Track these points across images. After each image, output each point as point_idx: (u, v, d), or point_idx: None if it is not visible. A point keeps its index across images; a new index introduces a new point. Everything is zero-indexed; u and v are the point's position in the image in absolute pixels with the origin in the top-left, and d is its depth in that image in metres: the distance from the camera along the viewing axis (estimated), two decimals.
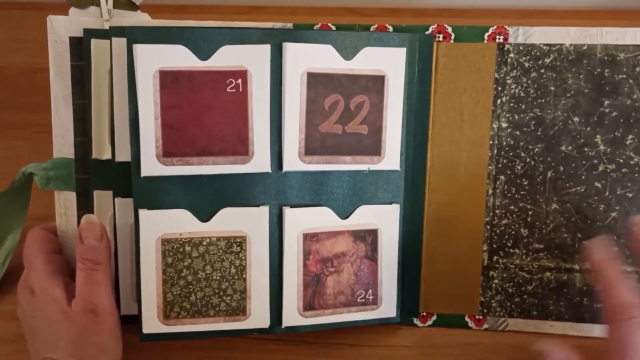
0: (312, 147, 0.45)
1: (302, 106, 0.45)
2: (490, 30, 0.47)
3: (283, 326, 0.47)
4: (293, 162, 0.45)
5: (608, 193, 0.48)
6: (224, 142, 0.44)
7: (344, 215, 0.47)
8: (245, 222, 0.45)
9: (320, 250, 0.47)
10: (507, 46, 0.47)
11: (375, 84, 0.46)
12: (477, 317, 0.50)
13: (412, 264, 0.49)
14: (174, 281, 0.45)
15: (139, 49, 0.42)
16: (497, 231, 0.49)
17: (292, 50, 0.44)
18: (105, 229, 0.45)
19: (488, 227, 0.49)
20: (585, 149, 0.47)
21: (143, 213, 0.44)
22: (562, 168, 0.48)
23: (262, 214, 0.46)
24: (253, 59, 0.44)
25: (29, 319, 0.45)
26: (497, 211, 0.48)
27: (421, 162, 0.48)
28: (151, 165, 0.44)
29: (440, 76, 0.47)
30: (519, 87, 0.47)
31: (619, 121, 0.47)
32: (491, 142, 0.48)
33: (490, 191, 0.48)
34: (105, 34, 0.44)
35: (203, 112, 0.44)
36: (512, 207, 0.48)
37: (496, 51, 0.47)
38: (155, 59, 0.43)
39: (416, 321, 0.50)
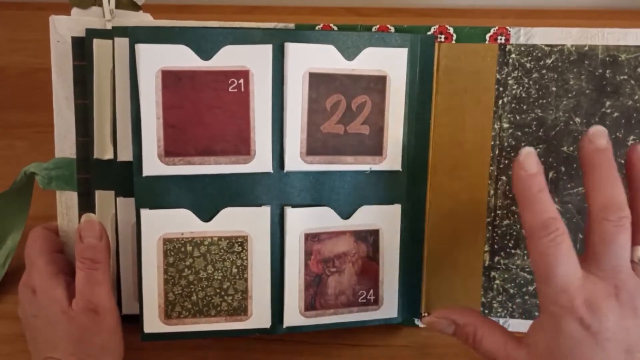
0: (314, 147, 0.46)
1: (304, 106, 0.45)
2: (492, 31, 0.47)
3: (284, 326, 0.47)
4: (295, 162, 0.45)
5: None
6: (226, 142, 0.44)
7: (346, 216, 0.47)
8: (247, 222, 0.45)
9: (321, 251, 0.47)
10: (508, 47, 0.47)
11: (377, 84, 0.46)
12: None
13: (413, 265, 0.49)
14: (176, 281, 0.45)
15: (141, 49, 0.42)
16: (499, 232, 0.49)
17: (294, 51, 0.44)
18: (104, 228, 0.45)
19: (489, 227, 0.49)
20: None
21: (145, 213, 0.44)
22: (563, 168, 0.48)
23: (263, 214, 0.46)
24: (255, 59, 0.44)
25: (30, 318, 0.45)
26: (498, 212, 0.49)
27: (422, 162, 0.48)
28: (153, 165, 0.44)
29: (441, 77, 0.47)
30: (521, 88, 0.47)
31: (620, 122, 0.47)
32: (492, 142, 0.48)
33: (492, 192, 0.48)
34: (107, 34, 0.44)
35: (205, 111, 0.44)
36: (513, 207, 0.48)
37: (498, 52, 0.47)
38: (158, 59, 0.43)
39: (417, 322, 0.50)
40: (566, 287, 0.36)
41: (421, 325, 0.50)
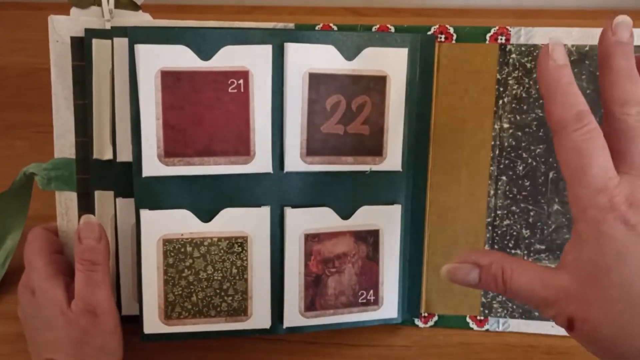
0: (314, 147, 0.45)
1: (304, 107, 0.45)
2: (492, 31, 0.47)
3: (284, 327, 0.47)
4: (294, 162, 0.45)
5: None
6: (226, 142, 0.44)
7: (346, 216, 0.47)
8: (247, 222, 0.45)
9: (321, 251, 0.47)
10: (508, 47, 0.47)
11: (377, 84, 0.46)
12: (478, 317, 0.50)
13: (413, 265, 0.49)
14: (175, 281, 0.45)
15: (141, 49, 0.42)
16: (499, 232, 0.49)
17: (294, 51, 0.44)
18: (104, 229, 0.45)
19: (489, 227, 0.49)
20: None
21: (144, 213, 0.44)
22: None
23: (263, 214, 0.46)
24: (255, 59, 0.44)
25: (30, 319, 0.45)
26: (498, 212, 0.48)
27: (422, 162, 0.48)
28: (152, 166, 0.44)
29: (441, 77, 0.47)
30: (521, 88, 0.47)
31: None
32: (493, 142, 0.48)
33: (492, 192, 0.48)
34: (106, 34, 0.44)
35: (204, 112, 0.44)
36: (513, 207, 0.48)
37: (498, 52, 0.47)
38: (157, 60, 0.42)
39: (417, 322, 0.50)
40: (605, 186, 0.32)
41: (421, 325, 0.50)
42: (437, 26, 0.47)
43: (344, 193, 0.47)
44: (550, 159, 0.48)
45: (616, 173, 0.33)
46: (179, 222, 0.45)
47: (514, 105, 0.47)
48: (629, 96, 0.34)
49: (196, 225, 0.45)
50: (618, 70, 0.34)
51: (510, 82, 0.47)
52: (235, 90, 0.44)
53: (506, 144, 0.48)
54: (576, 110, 0.34)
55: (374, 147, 0.46)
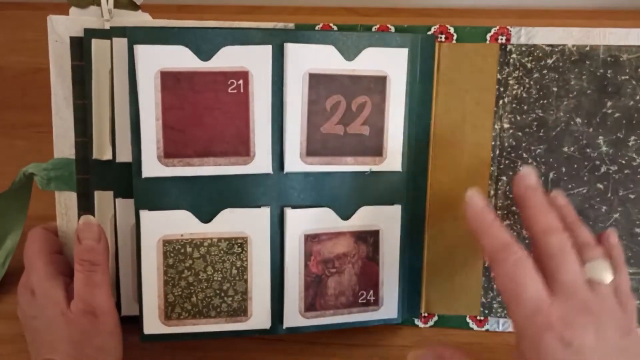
0: (314, 148, 0.45)
1: (304, 107, 0.45)
2: (493, 31, 0.47)
3: (284, 327, 0.47)
4: (294, 163, 0.45)
5: (610, 194, 0.48)
6: (225, 143, 0.44)
7: (346, 216, 0.47)
8: (247, 223, 0.45)
9: (321, 251, 0.47)
10: (509, 47, 0.47)
11: (377, 84, 0.46)
12: (478, 317, 0.50)
13: (413, 265, 0.49)
14: (175, 282, 0.45)
15: (140, 49, 0.42)
16: None
17: (294, 51, 0.44)
18: (103, 230, 0.45)
19: None
20: (588, 150, 0.47)
21: (144, 214, 0.44)
22: (564, 169, 0.48)
23: (263, 215, 0.46)
24: (254, 59, 0.44)
25: (29, 319, 0.45)
26: (498, 212, 0.48)
27: (423, 163, 0.48)
28: (152, 166, 0.44)
29: (442, 77, 0.47)
30: (521, 88, 0.47)
31: (621, 122, 0.47)
32: (493, 143, 0.48)
33: (492, 192, 0.48)
34: (106, 34, 0.44)
35: (204, 113, 0.44)
36: (513, 208, 0.48)
37: (498, 52, 0.47)
38: (156, 60, 0.42)
39: (417, 322, 0.50)
40: (539, 306, 0.36)
41: (421, 325, 0.50)
42: (437, 26, 0.47)
43: (343, 193, 0.47)
44: (551, 159, 0.47)
45: (548, 294, 0.36)
46: (179, 223, 0.45)
47: (514, 105, 0.47)
48: (548, 226, 0.39)
49: (196, 226, 0.45)
50: (534, 207, 0.40)
51: (511, 82, 0.47)
52: (235, 91, 0.44)
53: (506, 144, 0.48)
54: (502, 242, 0.38)
55: (374, 147, 0.46)
